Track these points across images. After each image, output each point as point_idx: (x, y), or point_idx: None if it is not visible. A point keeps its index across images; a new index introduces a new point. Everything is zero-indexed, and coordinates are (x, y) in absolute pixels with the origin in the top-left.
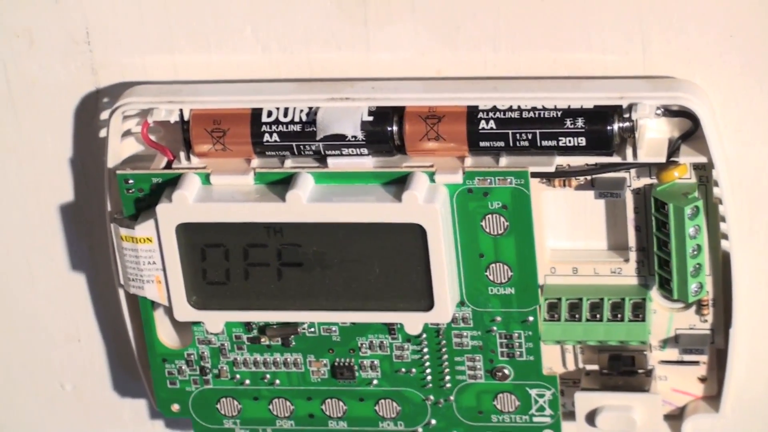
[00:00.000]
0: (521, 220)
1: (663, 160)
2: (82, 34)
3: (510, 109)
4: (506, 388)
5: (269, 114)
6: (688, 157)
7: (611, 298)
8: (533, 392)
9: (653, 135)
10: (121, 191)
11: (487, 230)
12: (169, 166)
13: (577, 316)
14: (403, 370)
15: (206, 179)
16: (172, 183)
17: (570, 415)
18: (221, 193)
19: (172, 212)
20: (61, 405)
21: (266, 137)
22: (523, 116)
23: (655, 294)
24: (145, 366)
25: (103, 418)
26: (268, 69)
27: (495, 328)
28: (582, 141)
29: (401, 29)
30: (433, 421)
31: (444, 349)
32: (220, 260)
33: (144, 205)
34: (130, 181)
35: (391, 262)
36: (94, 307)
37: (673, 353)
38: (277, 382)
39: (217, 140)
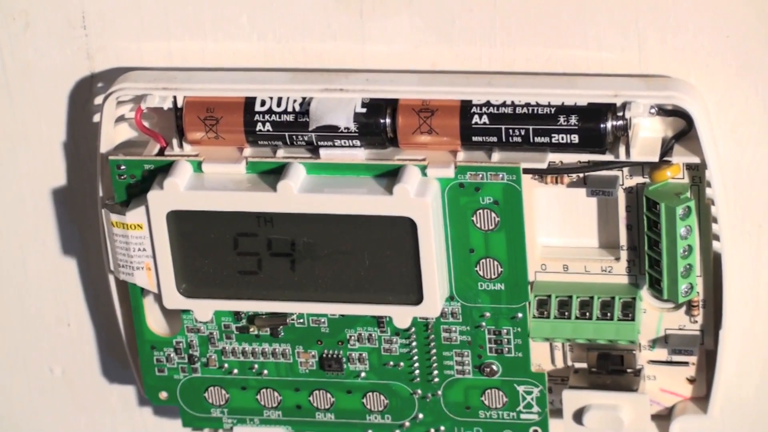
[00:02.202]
0: (512, 216)
1: (656, 159)
2: (78, 19)
3: (504, 104)
4: (494, 384)
5: (263, 103)
6: (681, 157)
7: (601, 297)
8: (521, 389)
9: (647, 134)
10: (113, 177)
11: (478, 225)
12: (161, 152)
13: (566, 313)
14: (392, 363)
15: (198, 167)
16: (163, 170)
17: (557, 413)
18: (213, 181)
19: (163, 199)
20: (50, 389)
21: (259, 126)
22: (517, 112)
23: (645, 293)
24: (133, 353)
25: (91, 404)
26: (263, 58)
27: (484, 323)
28: (575, 138)
29: (397, 21)
30: (421, 416)
31: (432, 344)
32: (210, 249)
33: (136, 192)
34: (122, 167)
35: (381, 255)
36: (84, 291)
37: (662, 353)
38: (265, 372)
39: (210, 128)
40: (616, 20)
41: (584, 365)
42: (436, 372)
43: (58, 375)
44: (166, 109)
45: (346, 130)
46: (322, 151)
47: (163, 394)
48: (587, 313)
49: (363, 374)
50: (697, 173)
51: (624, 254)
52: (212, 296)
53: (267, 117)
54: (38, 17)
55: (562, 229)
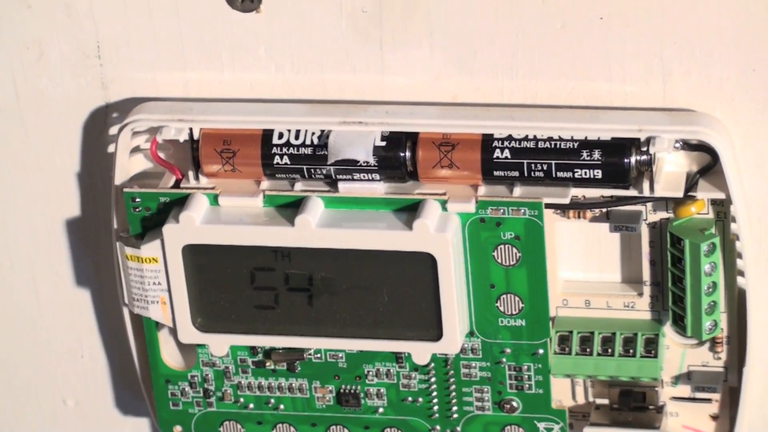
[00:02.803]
0: (534, 251)
1: (680, 194)
2: (93, 48)
3: (526, 138)
4: (514, 420)
5: (280, 136)
6: (705, 193)
7: (623, 333)
8: (541, 426)
9: (671, 168)
10: (128, 209)
11: (499, 261)
12: (177, 184)
13: (588, 350)
14: (410, 399)
15: (214, 200)
16: (179, 203)
17: None
18: (229, 215)
19: (179, 233)
20: (63, 421)
21: (277, 159)
22: (539, 146)
23: (668, 329)
24: (148, 386)
25: None
26: (281, 89)
27: (504, 359)
28: (598, 173)
29: (417, 53)
30: None
31: (452, 380)
32: (227, 283)
33: (151, 224)
34: (137, 200)
35: (400, 291)
36: (98, 322)
37: (685, 390)
38: (282, 407)
39: (227, 161)
40: (640, 53)
41: (606, 401)
42: (455, 408)
43: (71, 407)
44: (182, 141)
45: (365, 164)
46: (341, 185)
47: (178, 429)
48: (609, 350)
49: (381, 410)
50: (722, 208)
51: (647, 290)
52: (228, 331)
53: (285, 150)
54: (52, 47)
55: (585, 264)
